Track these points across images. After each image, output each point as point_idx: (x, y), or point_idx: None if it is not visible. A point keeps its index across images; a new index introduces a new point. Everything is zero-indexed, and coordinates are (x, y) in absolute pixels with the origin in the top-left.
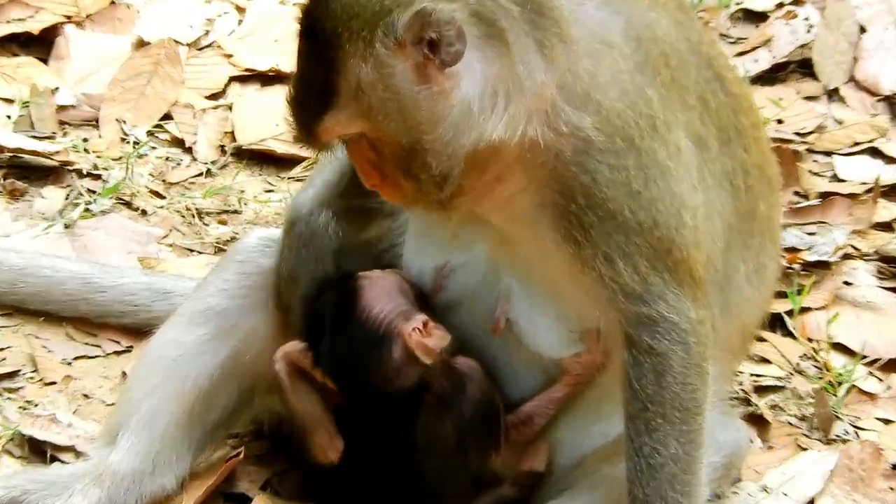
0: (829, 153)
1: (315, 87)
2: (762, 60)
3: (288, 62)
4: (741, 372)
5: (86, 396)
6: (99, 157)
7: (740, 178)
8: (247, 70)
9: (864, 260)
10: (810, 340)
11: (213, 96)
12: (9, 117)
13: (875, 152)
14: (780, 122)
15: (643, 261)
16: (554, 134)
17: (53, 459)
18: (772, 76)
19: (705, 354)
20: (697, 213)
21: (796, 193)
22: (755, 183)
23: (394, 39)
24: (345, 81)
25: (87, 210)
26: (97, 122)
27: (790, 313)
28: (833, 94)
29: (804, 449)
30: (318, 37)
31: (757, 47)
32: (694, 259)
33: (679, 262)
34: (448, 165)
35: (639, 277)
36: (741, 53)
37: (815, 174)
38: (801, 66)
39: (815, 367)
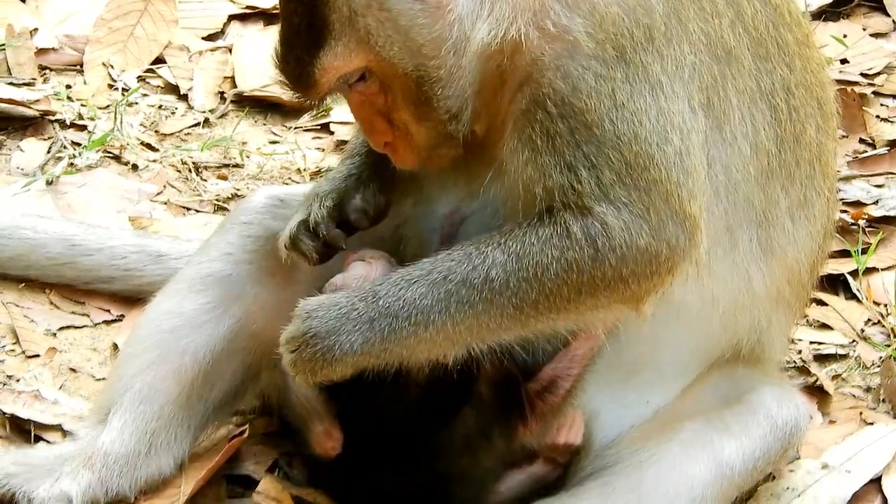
0: None
1: (304, 27)
2: None
3: None
4: (799, 339)
5: (73, 370)
6: (84, 105)
7: (781, 98)
8: (248, 7)
9: None
10: (876, 304)
11: (211, 37)
12: None
13: None
14: (844, 61)
15: (611, 174)
16: (539, 34)
17: (38, 440)
18: (835, 11)
19: (610, 284)
20: (692, 137)
21: (862, 141)
22: (801, 105)
23: None
24: (335, 10)
25: (71, 165)
26: (81, 66)
27: (854, 274)
28: None
29: (869, 423)
30: None
31: None
32: (677, 183)
33: (655, 182)
34: (460, 94)
35: (600, 189)
36: None
37: (884, 120)
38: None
39: (882, 333)
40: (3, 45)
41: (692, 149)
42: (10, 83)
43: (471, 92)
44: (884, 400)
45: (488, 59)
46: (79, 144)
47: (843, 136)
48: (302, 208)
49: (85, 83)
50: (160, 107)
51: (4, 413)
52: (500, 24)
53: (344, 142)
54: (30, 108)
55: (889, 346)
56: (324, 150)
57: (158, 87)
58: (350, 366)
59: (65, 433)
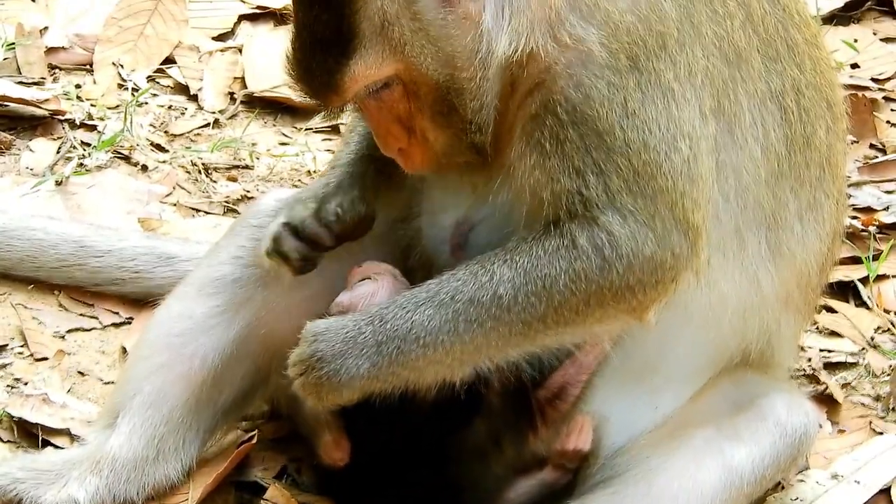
0: None
1: (329, 35)
2: None
3: None
4: (809, 347)
5: (81, 374)
6: (94, 105)
7: (791, 99)
8: (258, 7)
9: None
10: (887, 312)
11: (221, 37)
12: None
13: None
14: (854, 66)
15: (619, 181)
16: (556, 45)
17: (46, 444)
18: (846, 15)
19: (618, 294)
20: (700, 144)
21: (872, 147)
22: (811, 106)
23: None
24: (365, 19)
25: (80, 165)
26: (91, 66)
27: (864, 281)
28: None
29: (879, 433)
30: None
31: None
32: (682, 192)
33: (661, 190)
34: (486, 105)
35: (606, 196)
36: None
37: (894, 125)
38: (880, 4)
39: (892, 341)
40: (13, 43)
41: (700, 156)
42: (20, 82)
43: (495, 102)
44: (893, 409)
45: (505, 69)
46: (88, 145)
47: (854, 142)
48: (282, 213)
49: (95, 83)
50: (170, 107)
51: (12, 417)
52: (520, 36)
53: None
54: (39, 107)
55: None
56: (334, 151)
57: (168, 87)
58: (357, 390)
59: (73, 437)
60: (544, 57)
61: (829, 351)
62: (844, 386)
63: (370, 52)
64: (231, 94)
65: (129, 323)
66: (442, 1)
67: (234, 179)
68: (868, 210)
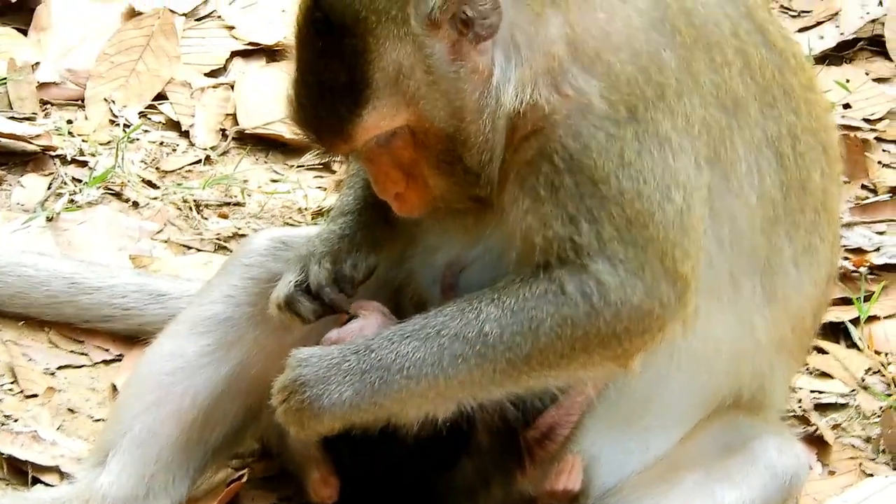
0: None
1: (340, 85)
2: (828, 37)
3: None
4: (799, 388)
5: (71, 411)
6: (85, 141)
7: (787, 144)
8: (250, 44)
9: None
10: (878, 353)
11: (213, 73)
12: None
13: None
14: (847, 106)
15: (611, 229)
16: (557, 95)
17: (35, 482)
18: (838, 55)
19: (604, 341)
20: (694, 195)
21: (864, 187)
22: (807, 151)
23: (428, 18)
24: (379, 70)
25: (71, 201)
26: (83, 101)
27: (855, 322)
28: None
29: (869, 475)
30: (334, 27)
31: (822, 22)
32: (673, 243)
33: (652, 240)
34: (493, 157)
35: (598, 244)
36: (804, 29)
37: (886, 166)
38: (872, 44)
39: (883, 382)
40: (5, 78)
41: (693, 207)
42: (12, 118)
43: (501, 153)
44: (884, 451)
45: (509, 119)
46: (79, 181)
47: (845, 182)
48: (295, 268)
49: (86, 118)
50: (161, 143)
51: (2, 454)
52: (524, 87)
53: None
54: (31, 143)
55: (890, 395)
56: (325, 189)
57: (160, 123)
58: (339, 418)
59: (62, 475)
60: (546, 107)
61: (820, 392)
62: (835, 427)
63: (383, 102)
64: (223, 130)
65: (120, 360)
66: (453, 54)
67: (225, 216)
68: (859, 251)
